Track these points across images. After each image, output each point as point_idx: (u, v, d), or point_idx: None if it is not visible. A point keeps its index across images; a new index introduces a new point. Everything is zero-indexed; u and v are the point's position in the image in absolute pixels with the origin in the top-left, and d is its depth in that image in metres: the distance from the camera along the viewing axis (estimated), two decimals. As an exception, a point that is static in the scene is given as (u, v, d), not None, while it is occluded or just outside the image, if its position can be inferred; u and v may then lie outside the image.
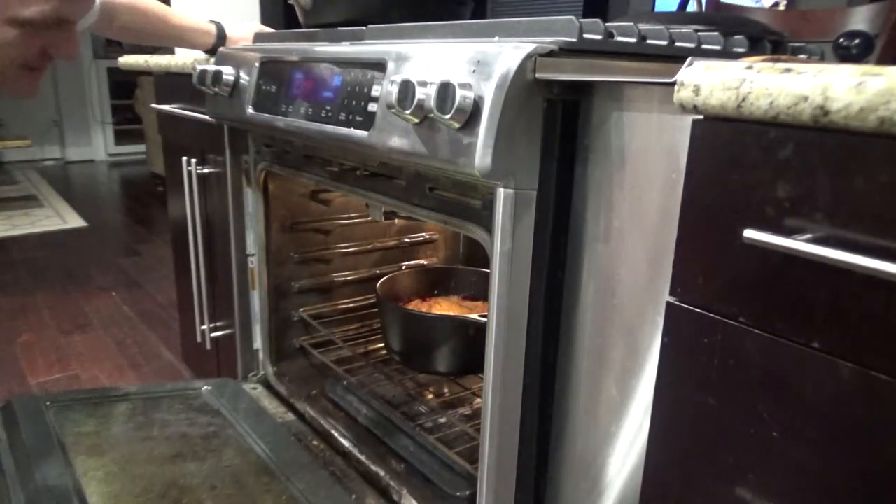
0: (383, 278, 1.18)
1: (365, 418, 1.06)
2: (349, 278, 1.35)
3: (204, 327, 1.43)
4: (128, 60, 1.64)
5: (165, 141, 1.60)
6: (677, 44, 0.70)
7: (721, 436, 0.51)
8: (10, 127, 5.31)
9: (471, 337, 1.02)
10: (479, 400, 1.09)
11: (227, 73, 1.00)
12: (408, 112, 0.64)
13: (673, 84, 0.49)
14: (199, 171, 1.34)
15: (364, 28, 0.87)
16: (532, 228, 0.66)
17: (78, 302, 2.47)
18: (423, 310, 1.17)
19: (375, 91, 0.73)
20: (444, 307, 1.20)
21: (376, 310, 1.34)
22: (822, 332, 0.44)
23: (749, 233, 0.45)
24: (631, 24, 0.67)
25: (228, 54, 1.04)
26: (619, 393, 0.64)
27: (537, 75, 0.60)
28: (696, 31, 0.73)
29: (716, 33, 0.74)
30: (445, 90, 0.60)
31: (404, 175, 0.81)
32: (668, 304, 0.53)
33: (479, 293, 1.25)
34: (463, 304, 1.24)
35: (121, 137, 5.74)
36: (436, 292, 1.27)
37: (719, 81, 0.46)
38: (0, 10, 0.71)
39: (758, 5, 1.50)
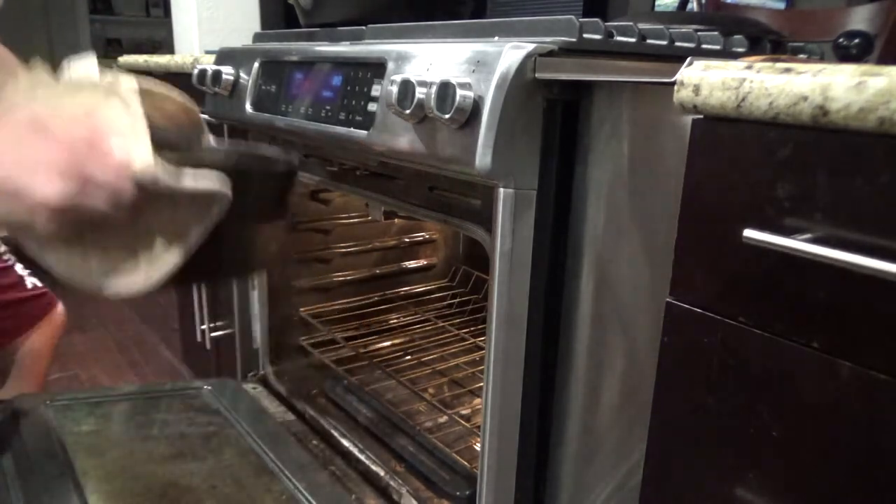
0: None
1: (365, 418, 1.06)
2: (349, 278, 1.35)
3: (204, 327, 1.43)
4: (127, 60, 1.64)
5: (165, 141, 1.59)
6: (677, 43, 0.70)
7: (721, 436, 0.51)
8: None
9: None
10: (478, 400, 1.09)
11: (227, 72, 1.00)
12: (407, 112, 0.64)
13: (673, 84, 0.49)
14: (198, 170, 1.34)
15: (364, 28, 0.87)
16: (532, 228, 0.65)
17: (78, 302, 2.47)
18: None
19: (375, 91, 0.73)
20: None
21: (376, 309, 1.35)
22: (822, 332, 0.44)
23: (749, 232, 0.45)
24: (631, 23, 0.67)
25: (228, 54, 1.04)
26: (619, 393, 0.64)
27: (537, 75, 0.60)
28: (696, 30, 0.73)
29: (716, 33, 0.74)
30: (445, 90, 0.60)
31: (404, 175, 0.81)
32: (668, 304, 0.53)
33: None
34: None
35: (121, 137, 5.74)
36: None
37: (719, 81, 0.46)
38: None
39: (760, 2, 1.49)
